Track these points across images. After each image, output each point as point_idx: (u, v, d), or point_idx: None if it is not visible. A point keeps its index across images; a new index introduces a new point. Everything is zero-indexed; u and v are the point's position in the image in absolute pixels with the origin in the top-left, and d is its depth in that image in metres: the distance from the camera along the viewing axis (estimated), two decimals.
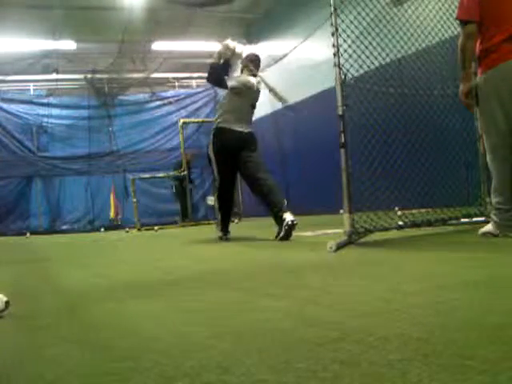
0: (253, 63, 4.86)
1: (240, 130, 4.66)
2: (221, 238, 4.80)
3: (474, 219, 3.87)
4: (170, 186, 11.73)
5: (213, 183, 4.54)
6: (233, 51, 4.75)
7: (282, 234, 4.14)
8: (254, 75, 4.83)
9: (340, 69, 3.27)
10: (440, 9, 3.93)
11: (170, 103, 13.69)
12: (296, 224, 4.15)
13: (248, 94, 4.76)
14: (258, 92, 4.85)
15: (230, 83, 4.73)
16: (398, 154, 3.70)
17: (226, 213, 4.88)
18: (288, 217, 4.15)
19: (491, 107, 2.94)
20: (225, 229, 4.83)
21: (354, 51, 3.40)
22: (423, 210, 4.04)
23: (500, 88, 2.89)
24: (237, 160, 4.64)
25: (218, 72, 4.76)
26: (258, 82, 4.82)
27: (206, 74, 4.96)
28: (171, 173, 11.11)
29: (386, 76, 3.90)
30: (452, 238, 3.46)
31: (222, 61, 4.78)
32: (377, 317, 1.25)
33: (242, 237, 4.84)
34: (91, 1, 9.53)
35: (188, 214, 10.84)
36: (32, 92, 12.69)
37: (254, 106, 4.86)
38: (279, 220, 4.23)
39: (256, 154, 4.69)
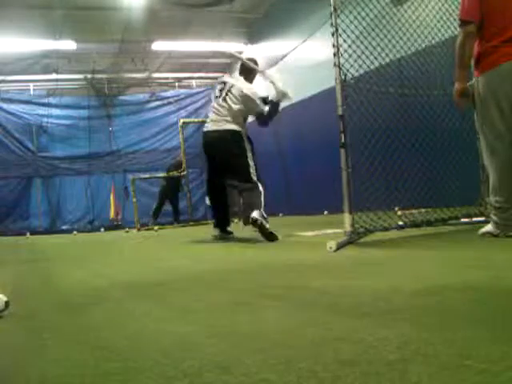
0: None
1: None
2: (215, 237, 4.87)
3: (474, 219, 3.87)
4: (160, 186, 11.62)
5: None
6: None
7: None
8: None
9: (340, 69, 3.27)
10: (440, 9, 3.93)
11: (170, 103, 13.70)
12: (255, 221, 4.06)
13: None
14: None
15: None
16: (398, 153, 3.70)
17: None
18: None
19: (488, 107, 2.94)
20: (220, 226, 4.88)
21: (354, 51, 3.41)
22: (423, 210, 4.04)
23: (498, 89, 2.88)
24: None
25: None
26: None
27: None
28: (170, 173, 11.11)
29: (386, 76, 3.90)
30: (452, 238, 3.46)
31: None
32: (377, 317, 1.25)
33: (241, 237, 4.83)
34: (91, 1, 9.52)
35: (176, 216, 11.08)
36: (32, 92, 12.70)
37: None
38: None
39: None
